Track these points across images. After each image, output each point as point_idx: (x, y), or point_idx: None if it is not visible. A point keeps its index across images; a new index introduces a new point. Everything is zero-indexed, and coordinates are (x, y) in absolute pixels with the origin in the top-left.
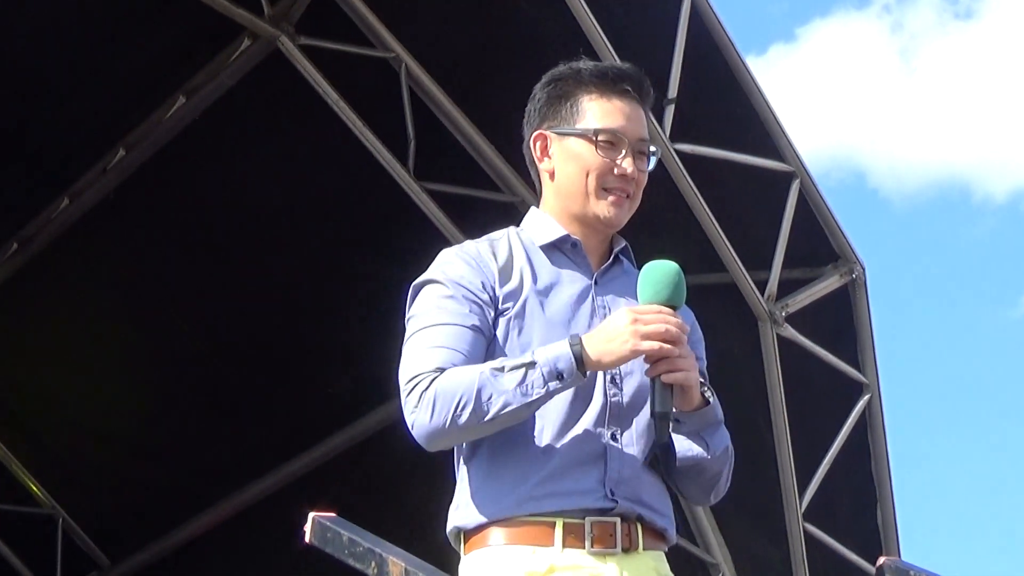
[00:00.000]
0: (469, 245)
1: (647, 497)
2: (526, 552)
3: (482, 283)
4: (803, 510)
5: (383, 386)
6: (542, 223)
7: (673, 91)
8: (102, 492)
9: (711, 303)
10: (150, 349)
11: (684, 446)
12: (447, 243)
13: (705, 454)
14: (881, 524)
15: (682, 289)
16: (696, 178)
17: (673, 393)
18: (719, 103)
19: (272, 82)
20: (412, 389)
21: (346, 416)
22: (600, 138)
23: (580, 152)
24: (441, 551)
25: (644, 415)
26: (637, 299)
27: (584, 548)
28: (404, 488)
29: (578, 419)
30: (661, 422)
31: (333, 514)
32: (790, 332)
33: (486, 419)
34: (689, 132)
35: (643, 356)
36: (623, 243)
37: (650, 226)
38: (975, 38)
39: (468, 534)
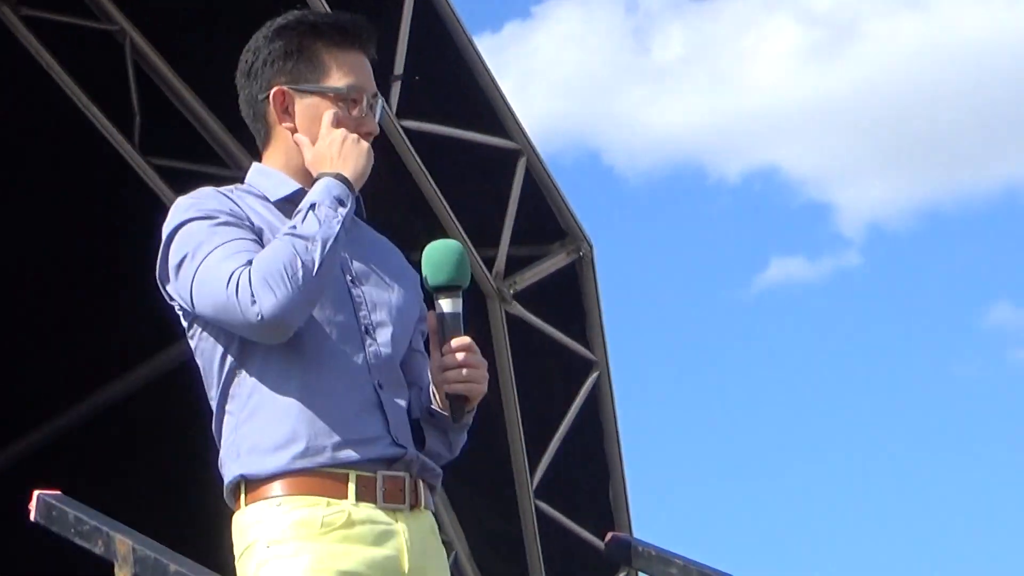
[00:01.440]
0: (206, 189)
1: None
2: (320, 503)
3: (240, 216)
4: (535, 487)
5: (108, 363)
6: (273, 178)
7: (399, 67)
8: None
9: None
10: None
11: (431, 441)
12: None
13: (447, 453)
14: (612, 501)
15: (466, 268)
16: (423, 155)
17: (469, 408)
18: (446, 80)
19: None
20: (237, 287)
21: (72, 394)
22: (346, 96)
23: (325, 112)
24: (175, 527)
25: (399, 364)
26: (373, 251)
27: (376, 503)
28: (134, 466)
29: (346, 368)
30: (457, 402)
31: (58, 492)
32: (518, 309)
33: (317, 268)
34: (416, 109)
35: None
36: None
37: (377, 201)
38: (708, 19)
39: (252, 485)
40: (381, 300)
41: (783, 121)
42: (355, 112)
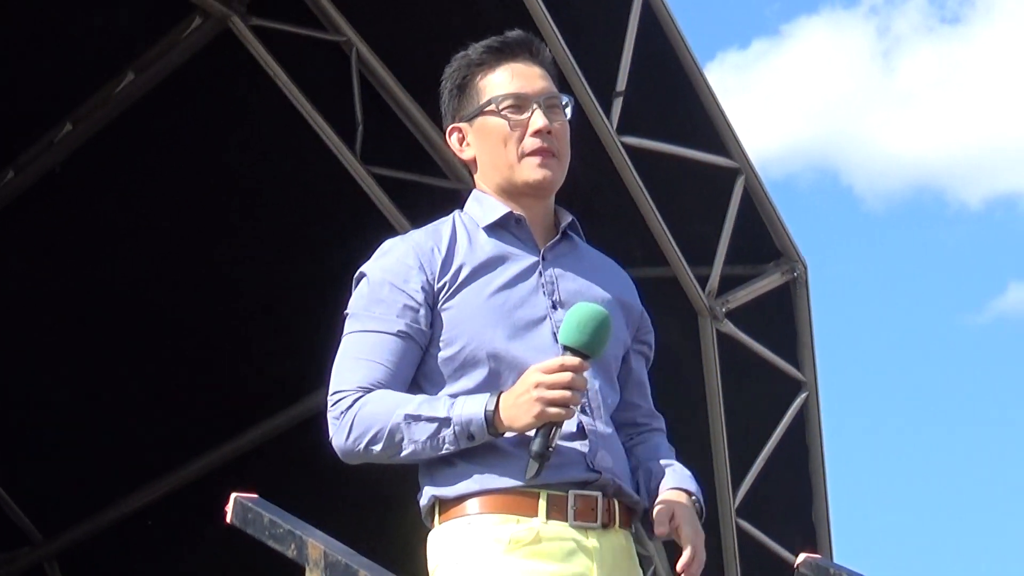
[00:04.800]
0: (416, 236)
1: (621, 473)
2: (510, 520)
3: (421, 284)
4: (736, 505)
5: (321, 371)
6: (484, 203)
7: (622, 84)
8: (37, 467)
9: (652, 297)
10: (90, 324)
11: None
12: (391, 228)
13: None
14: (814, 522)
15: (603, 337)
16: (641, 171)
17: (556, 434)
18: (667, 98)
19: (222, 62)
20: (335, 404)
21: (285, 399)
22: (503, 105)
23: (491, 127)
24: (375, 536)
25: (608, 392)
26: (587, 276)
27: (567, 521)
28: (339, 475)
29: None
30: (534, 461)
31: (254, 495)
32: (730, 328)
33: (397, 457)
34: (636, 125)
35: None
36: (570, 218)
37: (594, 218)
38: (960, 44)
39: (446, 504)
40: None
41: None
42: (521, 116)
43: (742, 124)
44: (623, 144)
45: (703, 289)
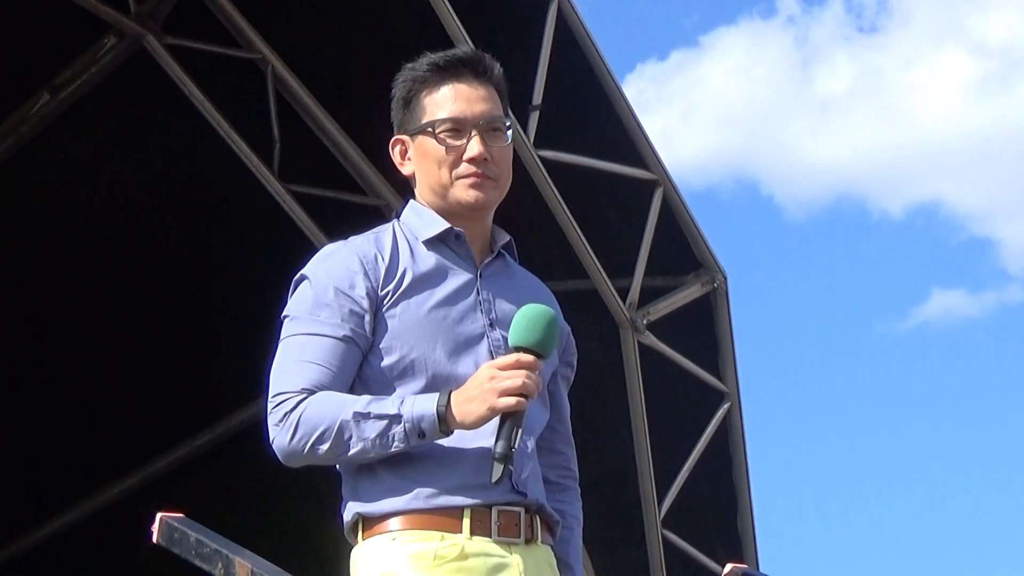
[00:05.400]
0: (357, 242)
1: (541, 493)
2: (434, 537)
3: (366, 290)
4: (662, 516)
5: (243, 389)
6: (424, 217)
7: (538, 98)
8: None
9: (573, 310)
10: (8, 347)
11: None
12: (311, 245)
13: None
14: (740, 531)
15: (552, 337)
16: (560, 185)
17: (518, 434)
18: (584, 111)
19: (138, 81)
20: (277, 406)
21: (207, 418)
22: (439, 129)
23: (428, 148)
24: (302, 554)
25: (536, 413)
26: (519, 296)
27: (490, 536)
28: (265, 494)
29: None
30: (498, 463)
31: (181, 515)
32: (651, 340)
33: (344, 456)
34: (553, 139)
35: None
36: (507, 237)
37: (513, 231)
38: (877, 52)
39: (369, 522)
40: None
41: (948, 155)
42: (458, 141)
43: (662, 135)
44: (540, 158)
45: (624, 301)
